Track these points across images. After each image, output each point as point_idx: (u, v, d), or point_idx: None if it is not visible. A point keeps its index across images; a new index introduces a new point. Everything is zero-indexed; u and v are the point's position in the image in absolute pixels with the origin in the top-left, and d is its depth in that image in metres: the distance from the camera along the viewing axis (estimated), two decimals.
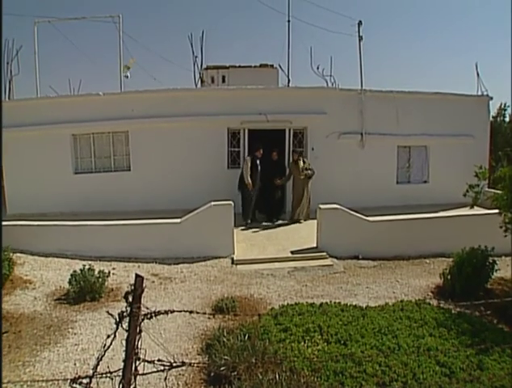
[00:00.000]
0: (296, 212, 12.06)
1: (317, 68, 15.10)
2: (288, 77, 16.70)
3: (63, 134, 13.27)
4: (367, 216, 9.59)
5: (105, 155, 13.60)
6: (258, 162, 11.76)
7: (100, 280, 7.18)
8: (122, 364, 2.21)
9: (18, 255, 8.87)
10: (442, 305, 6.55)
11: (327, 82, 14.96)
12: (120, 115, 12.95)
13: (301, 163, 12.04)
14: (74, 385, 2.14)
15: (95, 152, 13.57)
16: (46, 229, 9.64)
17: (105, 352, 2.05)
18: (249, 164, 11.58)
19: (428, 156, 14.59)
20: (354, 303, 6.33)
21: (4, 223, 9.79)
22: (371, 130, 13.69)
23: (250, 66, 22.26)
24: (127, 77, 15.69)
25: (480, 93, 14.79)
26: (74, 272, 7.20)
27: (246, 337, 4.92)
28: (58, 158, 13.28)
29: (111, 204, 12.40)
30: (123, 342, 2.19)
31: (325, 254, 9.13)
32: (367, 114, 13.60)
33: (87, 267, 7.24)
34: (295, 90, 14.28)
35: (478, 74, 14.76)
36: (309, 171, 12.00)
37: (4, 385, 4.57)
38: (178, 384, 4.46)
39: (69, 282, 7.14)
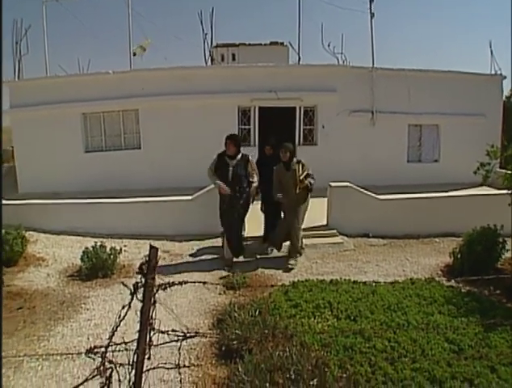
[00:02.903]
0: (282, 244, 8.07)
1: (328, 45, 15.00)
2: (299, 54, 16.52)
3: (73, 113, 13.31)
4: (377, 194, 9.56)
5: (115, 134, 13.65)
6: (229, 162, 7.59)
7: (112, 256, 7.24)
8: (135, 337, 2.25)
9: (31, 233, 8.94)
10: (451, 283, 6.55)
11: (338, 59, 14.89)
12: (130, 94, 12.95)
13: (296, 165, 7.74)
14: (90, 355, 2.18)
15: (105, 130, 13.62)
16: (57, 208, 9.72)
17: (120, 322, 2.09)
18: (214, 165, 7.72)
19: (439, 135, 14.49)
20: (363, 280, 6.38)
21: (16, 202, 9.91)
22: (382, 108, 13.59)
23: (260, 44, 22.08)
24: (135, 54, 15.58)
25: (493, 72, 14.60)
26: (86, 248, 7.27)
27: (257, 312, 4.96)
28: (68, 136, 13.34)
29: (121, 182, 12.44)
30: (136, 317, 2.22)
31: (335, 231, 9.13)
32: (377, 92, 13.49)
33: (99, 244, 7.31)
34: (306, 67, 14.17)
35: (492, 53, 14.57)
36: (311, 180, 7.69)
37: (20, 359, 4.65)
38: (189, 358, 4.52)
39: (81, 259, 7.22)
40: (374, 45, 14.09)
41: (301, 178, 7.58)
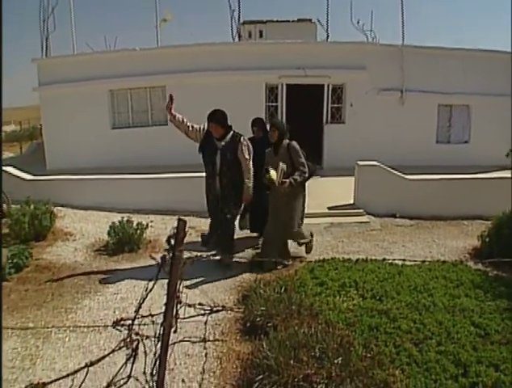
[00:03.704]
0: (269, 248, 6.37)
1: (357, 22, 14.78)
2: (327, 31, 16.29)
3: (100, 90, 13.42)
4: (404, 174, 9.42)
5: (142, 110, 13.74)
6: (216, 143, 6.25)
7: (138, 231, 7.29)
8: (161, 311, 2.26)
9: (59, 208, 9.11)
10: (478, 267, 6.43)
11: (367, 36, 14.67)
12: (157, 70, 12.96)
13: (284, 148, 6.27)
14: (117, 327, 2.19)
15: (133, 107, 13.72)
16: (85, 183, 9.83)
17: (147, 295, 2.09)
18: (200, 138, 6.41)
19: (470, 115, 14.19)
20: (390, 261, 6.30)
21: (44, 178, 10.08)
22: (412, 87, 13.38)
23: (288, 21, 21.74)
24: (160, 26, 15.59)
25: None
26: (113, 223, 7.34)
27: (282, 289, 4.96)
28: (96, 113, 13.47)
29: (148, 158, 12.52)
30: (162, 292, 2.22)
31: (361, 211, 9.07)
32: (407, 70, 13.27)
33: (125, 219, 7.38)
34: (334, 44, 14.01)
35: None
36: (297, 176, 6.07)
37: (48, 330, 4.75)
38: (214, 333, 4.55)
39: (108, 234, 7.28)
40: (404, 22, 13.85)
41: (280, 181, 5.96)
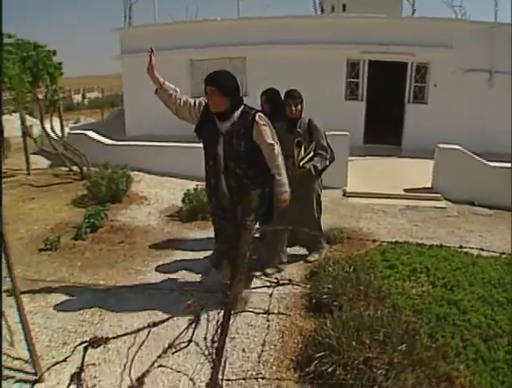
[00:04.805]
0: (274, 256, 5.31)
1: None
2: (413, 7, 15.75)
3: (181, 59, 13.59)
4: (487, 161, 8.96)
5: None
6: (218, 124, 4.14)
7: None
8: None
9: (136, 173, 9.41)
10: None
11: (456, 13, 14.02)
12: (237, 42, 12.97)
13: (302, 130, 5.12)
14: (183, 292, 2.21)
15: None
16: (162, 150, 10.05)
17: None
18: (198, 115, 4.40)
19: None
20: (464, 250, 6.01)
21: (123, 143, 10.43)
22: (502, 68, 12.63)
23: None
24: None
25: None
26: (188, 191, 7.48)
27: (351, 269, 4.87)
28: (176, 82, 13.26)
29: None
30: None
31: (439, 195, 8.73)
32: (498, 51, 12.52)
33: (200, 187, 7.47)
34: (420, 21, 13.44)
35: None
36: (317, 162, 5.10)
37: (118, 290, 4.94)
38: (279, 307, 4.54)
39: (182, 200, 7.43)
40: None
41: (301, 164, 4.97)
